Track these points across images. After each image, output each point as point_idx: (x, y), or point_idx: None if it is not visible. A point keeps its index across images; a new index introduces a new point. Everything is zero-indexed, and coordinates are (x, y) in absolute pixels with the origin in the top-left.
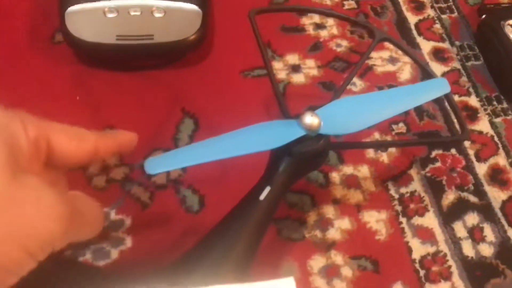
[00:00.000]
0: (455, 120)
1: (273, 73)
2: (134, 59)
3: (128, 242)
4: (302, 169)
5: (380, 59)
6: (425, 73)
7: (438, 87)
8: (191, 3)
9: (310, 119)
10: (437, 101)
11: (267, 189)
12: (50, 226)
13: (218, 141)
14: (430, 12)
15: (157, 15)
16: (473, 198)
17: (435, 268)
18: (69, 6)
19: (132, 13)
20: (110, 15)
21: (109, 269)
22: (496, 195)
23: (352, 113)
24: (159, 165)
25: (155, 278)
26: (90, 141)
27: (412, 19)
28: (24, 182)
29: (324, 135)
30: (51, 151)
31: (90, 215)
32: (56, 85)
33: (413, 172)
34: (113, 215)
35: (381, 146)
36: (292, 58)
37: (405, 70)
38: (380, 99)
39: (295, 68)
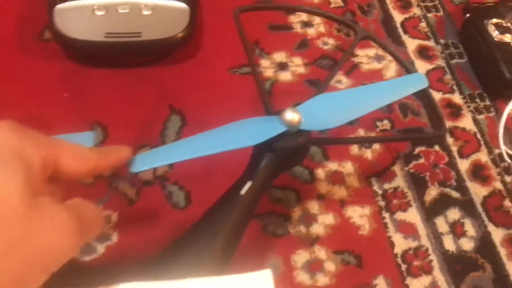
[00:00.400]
0: None
1: (257, 70)
2: (123, 56)
3: (115, 237)
4: (283, 164)
5: (366, 57)
6: (407, 70)
7: (416, 82)
8: (179, 1)
9: (290, 115)
10: (421, 98)
11: (248, 184)
12: (65, 244)
13: (200, 139)
14: (416, 11)
15: (145, 12)
16: (455, 194)
17: (416, 263)
18: (58, 4)
19: (121, 11)
20: (98, 13)
21: (91, 265)
22: (478, 191)
23: (332, 108)
24: (142, 163)
25: (135, 273)
26: (91, 159)
27: (398, 17)
28: (40, 204)
29: (305, 130)
30: (56, 169)
31: (93, 221)
32: (44, 82)
33: (396, 168)
34: None
35: (361, 142)
36: (280, 56)
37: (391, 67)
38: (360, 95)
39: (282, 66)
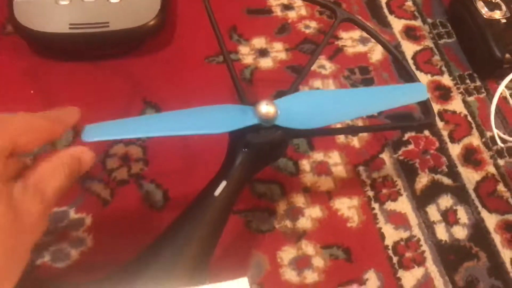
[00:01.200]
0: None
1: (230, 57)
2: (90, 48)
3: (89, 241)
4: (260, 161)
5: (350, 39)
6: (390, 52)
7: (415, 93)
8: None
9: (265, 108)
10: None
11: (222, 184)
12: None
13: (166, 118)
14: None
15: (112, 0)
16: (446, 180)
17: (408, 254)
18: None
19: (86, 0)
20: (62, 3)
21: (64, 272)
22: (470, 176)
23: (314, 108)
24: (98, 133)
25: (104, 283)
26: (45, 129)
27: None
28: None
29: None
30: (13, 149)
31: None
32: (8, 78)
33: (385, 156)
34: (73, 214)
35: (346, 132)
36: (259, 42)
37: (377, 50)
38: (348, 98)
39: (263, 52)
